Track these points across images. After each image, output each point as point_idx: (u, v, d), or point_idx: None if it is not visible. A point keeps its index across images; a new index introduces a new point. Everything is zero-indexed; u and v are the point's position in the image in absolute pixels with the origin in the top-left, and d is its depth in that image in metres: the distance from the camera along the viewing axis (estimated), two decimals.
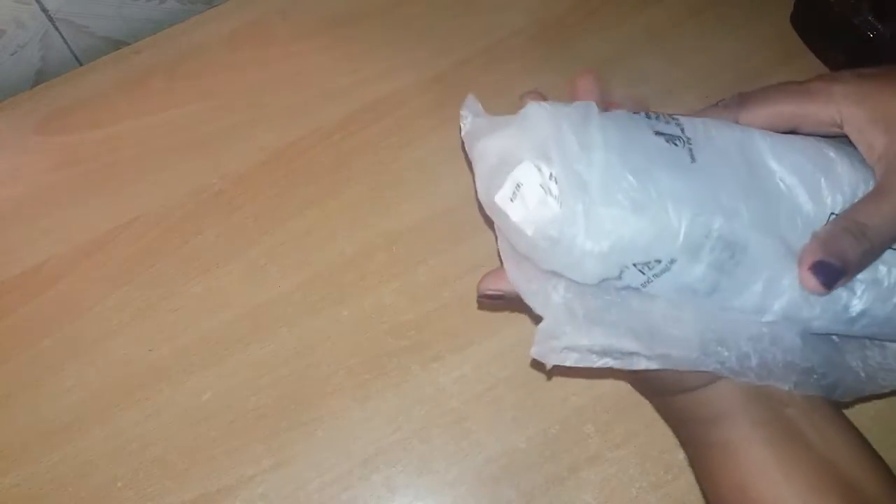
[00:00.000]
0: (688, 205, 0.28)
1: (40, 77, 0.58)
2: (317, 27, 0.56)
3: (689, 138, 0.30)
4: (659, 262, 0.29)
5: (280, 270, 0.47)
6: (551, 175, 0.29)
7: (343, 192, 0.49)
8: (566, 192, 0.28)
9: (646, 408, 0.42)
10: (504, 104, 0.51)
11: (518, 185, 0.30)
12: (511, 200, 0.30)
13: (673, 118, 0.31)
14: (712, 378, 0.31)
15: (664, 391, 0.33)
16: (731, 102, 0.33)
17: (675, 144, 0.30)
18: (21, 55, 0.56)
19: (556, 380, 0.42)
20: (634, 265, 0.29)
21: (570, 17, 0.55)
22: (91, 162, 0.51)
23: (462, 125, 0.34)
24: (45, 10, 0.54)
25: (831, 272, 0.28)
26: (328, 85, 0.53)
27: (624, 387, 0.42)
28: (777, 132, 0.32)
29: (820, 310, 0.30)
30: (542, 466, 0.41)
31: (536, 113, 0.31)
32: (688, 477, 0.40)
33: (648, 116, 0.31)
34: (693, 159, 0.29)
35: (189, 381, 0.44)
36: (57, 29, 0.56)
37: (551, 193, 0.29)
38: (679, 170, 0.29)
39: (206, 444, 0.42)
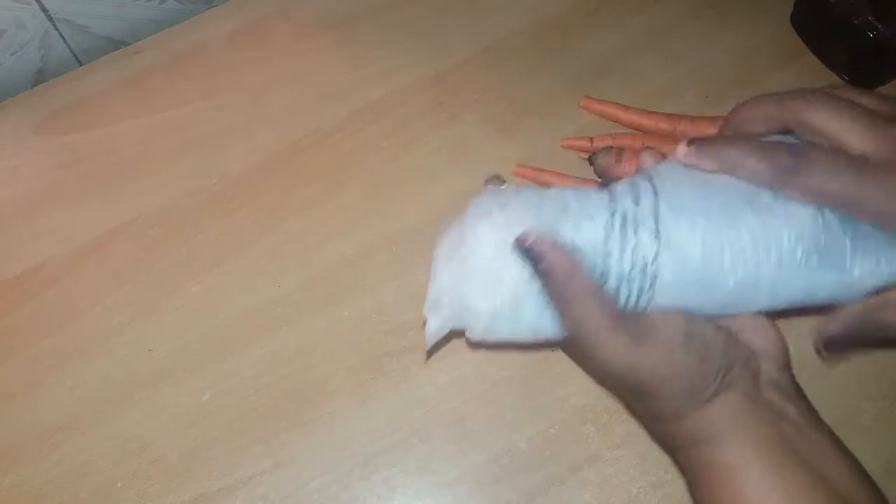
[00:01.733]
0: None
1: (40, 77, 0.58)
2: (317, 27, 0.56)
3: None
4: None
5: (280, 270, 0.47)
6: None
7: (343, 192, 0.49)
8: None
9: None
10: (504, 104, 0.52)
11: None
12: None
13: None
14: (709, 398, 0.31)
15: (662, 416, 0.33)
16: (788, 167, 0.28)
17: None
18: (21, 55, 0.56)
19: (557, 380, 0.43)
20: None
21: (570, 17, 0.55)
22: (91, 162, 0.51)
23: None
24: (45, 11, 0.54)
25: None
26: (328, 85, 0.53)
27: None
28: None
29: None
30: (542, 466, 0.41)
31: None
32: None
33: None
34: None
35: (189, 381, 0.44)
36: (57, 29, 0.56)
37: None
38: None
39: (206, 444, 0.42)
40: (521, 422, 0.42)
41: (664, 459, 0.40)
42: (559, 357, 0.43)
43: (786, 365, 0.33)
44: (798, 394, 0.33)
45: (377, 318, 0.45)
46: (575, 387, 0.42)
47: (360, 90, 0.53)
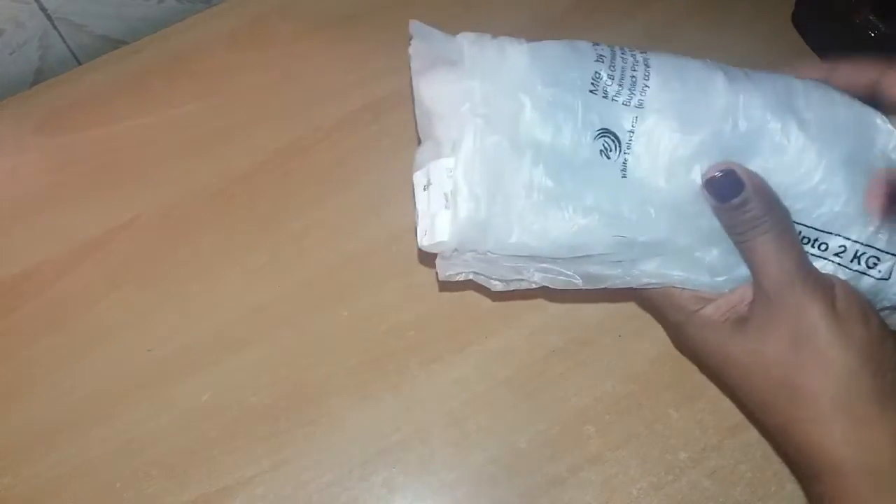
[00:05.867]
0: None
1: (39, 76, 0.58)
2: (317, 27, 0.56)
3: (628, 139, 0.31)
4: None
5: (280, 270, 0.47)
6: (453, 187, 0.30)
7: (343, 192, 0.49)
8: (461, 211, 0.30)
9: (646, 409, 0.42)
10: None
11: (429, 182, 0.31)
12: (423, 189, 0.32)
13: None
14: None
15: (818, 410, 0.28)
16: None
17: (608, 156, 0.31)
18: (20, 54, 0.56)
19: (557, 380, 0.42)
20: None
21: (571, 17, 0.55)
22: (91, 162, 0.51)
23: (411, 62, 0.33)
24: (44, 10, 0.54)
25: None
26: (328, 85, 0.53)
27: (625, 388, 0.42)
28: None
29: None
30: (542, 467, 0.41)
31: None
32: (688, 478, 0.40)
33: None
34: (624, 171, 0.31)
35: (189, 381, 0.43)
36: (56, 28, 0.55)
37: (449, 205, 0.30)
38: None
39: (206, 445, 0.42)
40: (521, 422, 0.42)
41: (665, 460, 0.40)
42: (560, 357, 0.43)
43: None
44: None
45: (377, 318, 0.45)
46: (575, 387, 0.42)
47: (360, 90, 0.53)
